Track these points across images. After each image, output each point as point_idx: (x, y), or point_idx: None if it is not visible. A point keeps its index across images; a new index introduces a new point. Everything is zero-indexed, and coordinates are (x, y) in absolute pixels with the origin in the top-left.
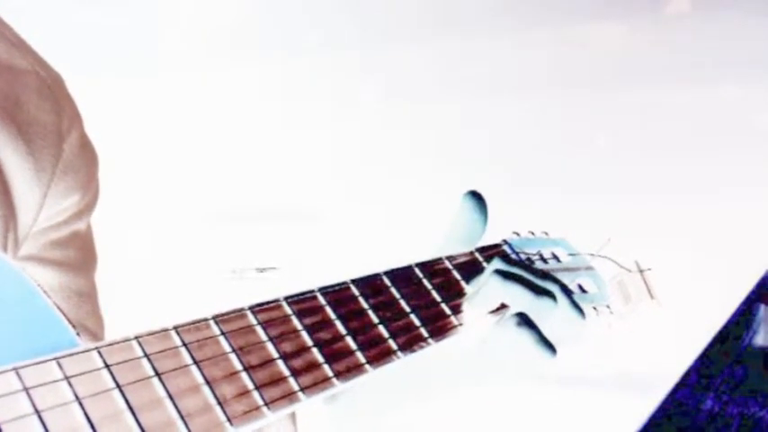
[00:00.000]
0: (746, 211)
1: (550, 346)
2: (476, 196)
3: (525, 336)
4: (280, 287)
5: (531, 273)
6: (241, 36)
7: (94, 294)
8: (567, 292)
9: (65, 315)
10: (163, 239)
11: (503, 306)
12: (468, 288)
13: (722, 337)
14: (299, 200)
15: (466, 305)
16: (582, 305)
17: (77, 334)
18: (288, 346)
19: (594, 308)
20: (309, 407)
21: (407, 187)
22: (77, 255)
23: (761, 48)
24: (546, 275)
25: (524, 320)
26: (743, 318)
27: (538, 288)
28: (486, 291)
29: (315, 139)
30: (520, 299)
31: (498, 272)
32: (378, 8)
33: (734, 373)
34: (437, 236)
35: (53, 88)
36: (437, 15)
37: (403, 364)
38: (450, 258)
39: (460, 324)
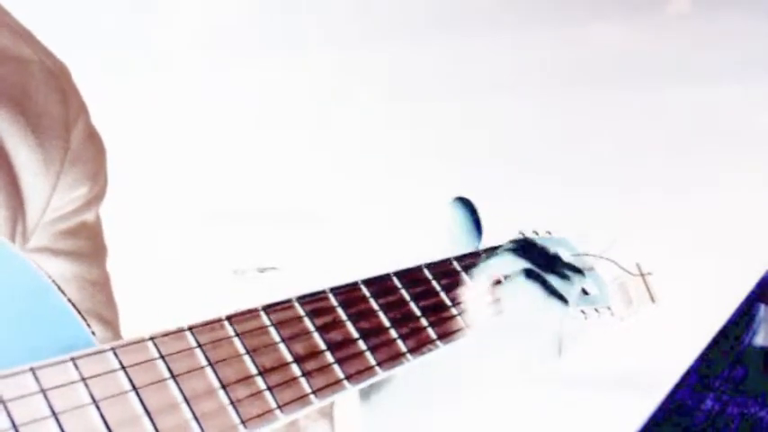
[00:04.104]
0: (746, 211)
1: (561, 297)
2: (463, 202)
3: (534, 288)
4: (281, 287)
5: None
6: (241, 34)
7: (108, 284)
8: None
9: (78, 306)
10: (163, 239)
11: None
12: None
13: (722, 337)
14: (300, 199)
15: (474, 273)
16: (584, 307)
17: (89, 328)
18: (300, 348)
19: (596, 309)
20: (347, 408)
21: (408, 186)
22: (87, 244)
23: (761, 48)
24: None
25: (532, 275)
26: (743, 318)
27: (524, 250)
28: (496, 260)
29: (315, 138)
30: (518, 265)
31: (510, 249)
32: (379, 8)
33: (734, 373)
34: (435, 240)
35: (59, 78)
36: (438, 15)
37: (437, 359)
38: (458, 259)
39: (468, 327)
